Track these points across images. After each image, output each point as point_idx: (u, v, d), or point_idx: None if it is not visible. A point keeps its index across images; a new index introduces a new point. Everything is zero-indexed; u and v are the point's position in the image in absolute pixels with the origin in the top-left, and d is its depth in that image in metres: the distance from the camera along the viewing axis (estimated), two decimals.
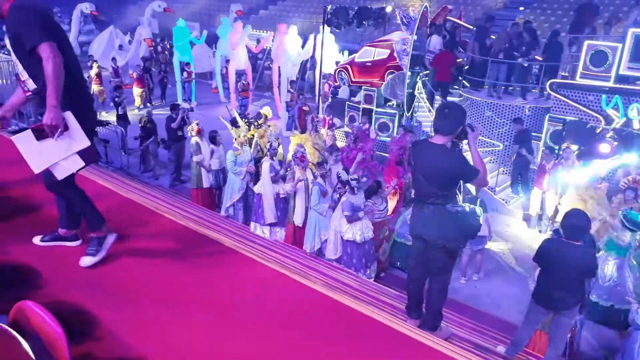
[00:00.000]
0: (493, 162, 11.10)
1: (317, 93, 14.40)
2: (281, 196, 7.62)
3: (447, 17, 13.39)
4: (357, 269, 6.67)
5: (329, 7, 13.08)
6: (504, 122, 10.80)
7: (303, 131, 12.29)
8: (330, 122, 11.49)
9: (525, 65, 11.02)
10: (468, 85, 12.26)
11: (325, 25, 13.41)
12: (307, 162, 7.31)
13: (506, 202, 9.91)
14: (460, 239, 3.37)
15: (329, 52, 14.93)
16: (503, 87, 11.60)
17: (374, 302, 4.01)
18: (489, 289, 7.30)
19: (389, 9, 14.80)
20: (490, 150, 11.14)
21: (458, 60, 12.62)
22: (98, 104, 15.20)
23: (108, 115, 14.07)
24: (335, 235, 6.79)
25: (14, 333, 1.39)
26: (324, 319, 3.16)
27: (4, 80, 9.93)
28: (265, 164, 7.49)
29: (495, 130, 11.12)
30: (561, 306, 4.16)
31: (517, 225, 9.42)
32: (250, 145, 8.55)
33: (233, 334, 2.82)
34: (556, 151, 9.49)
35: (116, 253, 3.45)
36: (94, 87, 15.45)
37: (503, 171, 10.72)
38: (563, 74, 11.01)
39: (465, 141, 3.41)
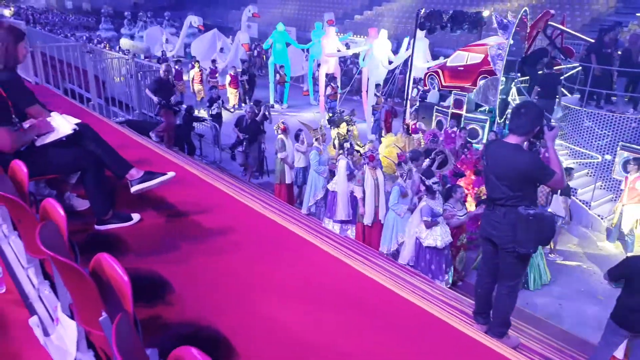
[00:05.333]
0: (590, 176, 10.39)
1: (405, 97, 14.31)
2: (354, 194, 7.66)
3: (548, 22, 12.74)
4: (434, 275, 6.53)
5: (422, 10, 12.93)
6: (604, 133, 10.07)
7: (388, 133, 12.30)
8: (414, 126, 11.36)
9: None
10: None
11: (418, 30, 13.28)
12: (377, 161, 7.29)
13: (602, 219, 9.24)
14: (532, 244, 3.19)
15: (421, 57, 14.75)
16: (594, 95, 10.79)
17: (445, 306, 3.93)
18: (575, 309, 6.87)
19: (485, 13, 14.35)
20: (587, 162, 10.43)
21: (559, 67, 11.97)
22: (197, 102, 16.24)
23: (206, 113, 14.97)
24: (412, 239, 6.70)
25: (90, 278, 1.64)
26: (390, 315, 3.15)
27: (117, 78, 10.87)
28: (342, 162, 7.59)
29: (595, 142, 10.39)
30: None
31: (611, 244, 8.76)
32: (333, 146, 8.73)
33: (299, 321, 2.91)
34: None
35: (197, 235, 3.71)
36: (194, 86, 16.55)
37: (601, 185, 9.99)
38: None
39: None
